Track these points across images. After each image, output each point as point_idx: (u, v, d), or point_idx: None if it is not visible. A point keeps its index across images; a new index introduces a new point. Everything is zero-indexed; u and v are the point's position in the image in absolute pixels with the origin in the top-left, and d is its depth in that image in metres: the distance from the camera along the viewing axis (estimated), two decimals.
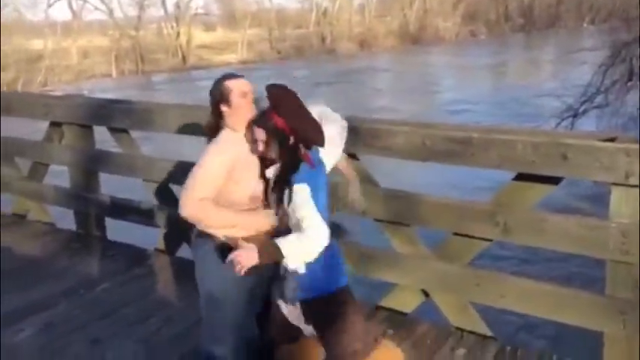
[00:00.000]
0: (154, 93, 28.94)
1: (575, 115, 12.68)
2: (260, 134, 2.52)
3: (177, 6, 44.05)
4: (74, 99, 5.45)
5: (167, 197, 4.68)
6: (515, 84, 24.78)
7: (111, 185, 5.40)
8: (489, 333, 3.53)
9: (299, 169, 2.49)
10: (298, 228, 2.42)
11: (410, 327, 3.59)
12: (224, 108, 2.64)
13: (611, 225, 2.97)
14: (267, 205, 2.63)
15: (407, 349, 3.35)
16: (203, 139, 2.80)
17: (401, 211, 3.60)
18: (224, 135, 2.66)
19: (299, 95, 2.58)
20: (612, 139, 3.03)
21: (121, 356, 3.42)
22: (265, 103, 2.57)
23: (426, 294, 3.68)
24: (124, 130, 4.88)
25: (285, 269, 2.47)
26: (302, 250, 2.39)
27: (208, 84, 2.75)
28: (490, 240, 3.39)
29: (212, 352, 2.76)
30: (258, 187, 2.63)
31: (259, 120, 2.54)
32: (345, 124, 2.85)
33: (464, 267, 3.48)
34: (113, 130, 4.93)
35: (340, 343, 2.60)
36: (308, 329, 2.65)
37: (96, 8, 51.38)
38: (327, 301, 2.57)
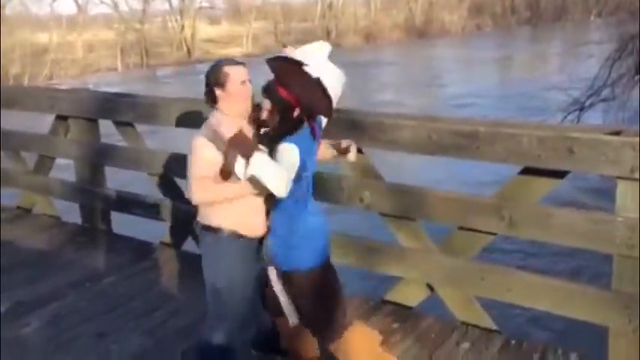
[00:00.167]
0: (160, 86, 28.93)
1: (581, 109, 12.63)
2: (266, 103, 2.59)
3: None
4: (80, 92, 5.46)
5: (172, 191, 4.69)
6: (522, 77, 24.69)
7: (121, 179, 5.38)
8: (494, 327, 3.52)
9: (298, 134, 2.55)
10: None
11: (415, 321, 3.59)
12: (218, 92, 2.64)
13: (617, 219, 2.96)
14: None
15: (412, 343, 3.36)
16: None
17: (406, 205, 3.59)
18: (215, 118, 2.65)
19: None
20: (618, 133, 3.02)
21: (127, 349, 3.43)
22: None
23: (431, 288, 3.67)
24: (130, 124, 4.89)
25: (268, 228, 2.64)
26: (269, 169, 2.46)
27: None
28: (495, 234, 3.38)
29: (213, 340, 2.78)
30: None
31: (266, 90, 2.59)
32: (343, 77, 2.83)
33: (469, 261, 3.47)
34: (118, 124, 4.94)
35: (315, 320, 2.71)
36: (285, 302, 2.69)
37: (101, 2, 51.15)
38: (307, 277, 2.65)
